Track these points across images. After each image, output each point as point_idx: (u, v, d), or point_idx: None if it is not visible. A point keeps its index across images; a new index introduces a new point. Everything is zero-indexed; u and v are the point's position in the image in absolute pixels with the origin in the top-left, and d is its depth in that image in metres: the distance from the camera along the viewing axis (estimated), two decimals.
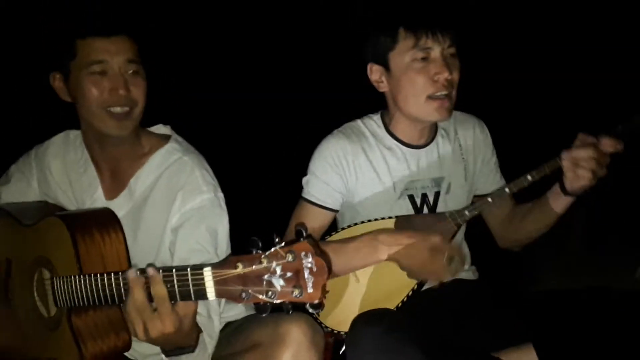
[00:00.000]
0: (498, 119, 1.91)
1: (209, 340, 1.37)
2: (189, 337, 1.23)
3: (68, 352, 1.39)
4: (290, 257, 0.97)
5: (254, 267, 0.98)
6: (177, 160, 1.56)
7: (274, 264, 0.98)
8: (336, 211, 1.72)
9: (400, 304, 1.60)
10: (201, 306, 1.36)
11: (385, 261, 1.54)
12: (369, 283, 1.62)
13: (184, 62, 3.25)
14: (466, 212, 1.63)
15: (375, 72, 1.68)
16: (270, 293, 0.98)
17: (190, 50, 3.39)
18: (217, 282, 1.03)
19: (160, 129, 1.67)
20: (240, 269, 1.00)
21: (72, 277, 1.31)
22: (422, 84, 1.58)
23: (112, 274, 1.22)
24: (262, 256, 0.98)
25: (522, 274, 2.34)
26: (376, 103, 1.78)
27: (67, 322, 1.37)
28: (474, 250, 1.86)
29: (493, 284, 1.79)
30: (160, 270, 1.11)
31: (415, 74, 1.58)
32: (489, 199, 1.62)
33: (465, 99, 1.69)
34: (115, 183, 1.59)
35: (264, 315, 1.01)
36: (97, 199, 1.58)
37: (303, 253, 0.96)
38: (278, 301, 0.98)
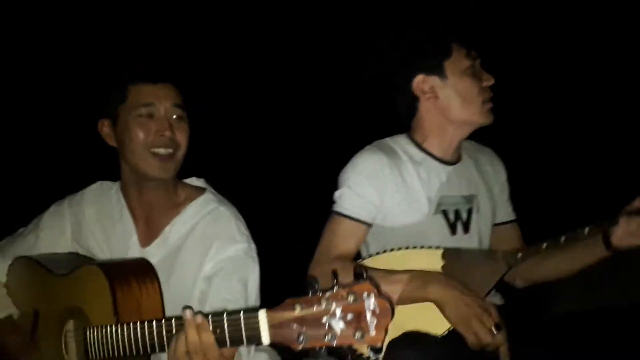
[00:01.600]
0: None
1: None
2: None
3: None
4: (351, 299, 0.95)
5: (314, 309, 0.97)
6: (214, 210, 1.59)
7: (334, 305, 0.96)
8: (370, 225, 1.69)
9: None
10: None
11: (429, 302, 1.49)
12: (410, 312, 1.52)
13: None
14: (519, 255, 1.60)
15: (425, 83, 1.71)
16: (329, 336, 0.96)
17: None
18: (273, 326, 1.01)
19: (195, 181, 1.71)
20: (298, 311, 0.99)
21: (109, 327, 1.28)
22: (478, 89, 1.68)
23: (155, 321, 1.19)
24: (322, 298, 0.97)
25: (542, 298, 2.28)
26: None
27: None
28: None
29: (515, 308, 1.76)
30: (210, 316, 1.09)
31: (471, 80, 1.68)
32: (544, 246, 1.60)
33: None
34: (149, 231, 1.61)
35: None
36: (131, 246, 1.59)
37: (365, 294, 0.95)
38: (337, 344, 0.96)
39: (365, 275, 0.97)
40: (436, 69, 1.70)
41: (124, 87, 1.55)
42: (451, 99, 1.70)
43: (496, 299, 1.78)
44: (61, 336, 1.46)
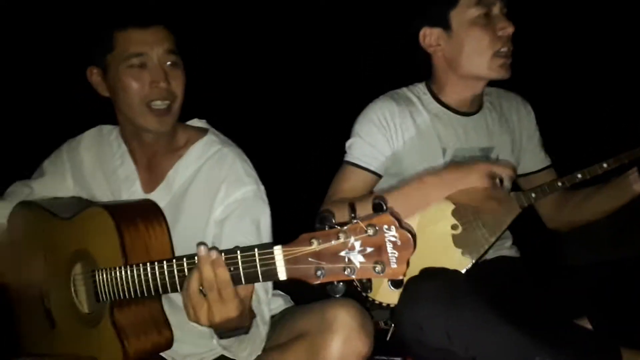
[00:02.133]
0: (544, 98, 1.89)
1: (262, 326, 1.31)
2: (246, 318, 1.17)
3: (109, 349, 1.32)
4: (371, 231, 0.92)
5: (331, 242, 0.94)
6: (217, 152, 1.54)
7: (353, 239, 0.93)
8: (380, 176, 1.67)
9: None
10: None
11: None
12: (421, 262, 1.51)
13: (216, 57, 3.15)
14: (532, 195, 1.59)
15: (431, 36, 1.64)
16: (348, 270, 0.93)
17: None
18: (289, 261, 0.98)
19: (196, 122, 1.65)
20: (315, 245, 0.95)
21: (119, 268, 1.25)
22: (488, 40, 1.57)
23: (165, 262, 1.17)
24: (339, 231, 0.94)
25: (557, 249, 2.29)
26: None
27: (110, 318, 1.32)
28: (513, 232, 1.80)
29: (532, 261, 1.75)
30: (223, 253, 1.06)
31: (481, 30, 1.57)
32: (559, 183, 1.58)
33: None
34: (152, 176, 1.56)
35: (337, 296, 0.97)
36: (134, 192, 1.55)
37: (385, 226, 0.91)
38: (357, 278, 0.93)
39: (385, 207, 0.93)
40: (440, 21, 1.61)
41: (110, 34, 1.44)
42: (456, 52, 1.61)
43: (512, 251, 1.77)
44: (69, 280, 1.44)
